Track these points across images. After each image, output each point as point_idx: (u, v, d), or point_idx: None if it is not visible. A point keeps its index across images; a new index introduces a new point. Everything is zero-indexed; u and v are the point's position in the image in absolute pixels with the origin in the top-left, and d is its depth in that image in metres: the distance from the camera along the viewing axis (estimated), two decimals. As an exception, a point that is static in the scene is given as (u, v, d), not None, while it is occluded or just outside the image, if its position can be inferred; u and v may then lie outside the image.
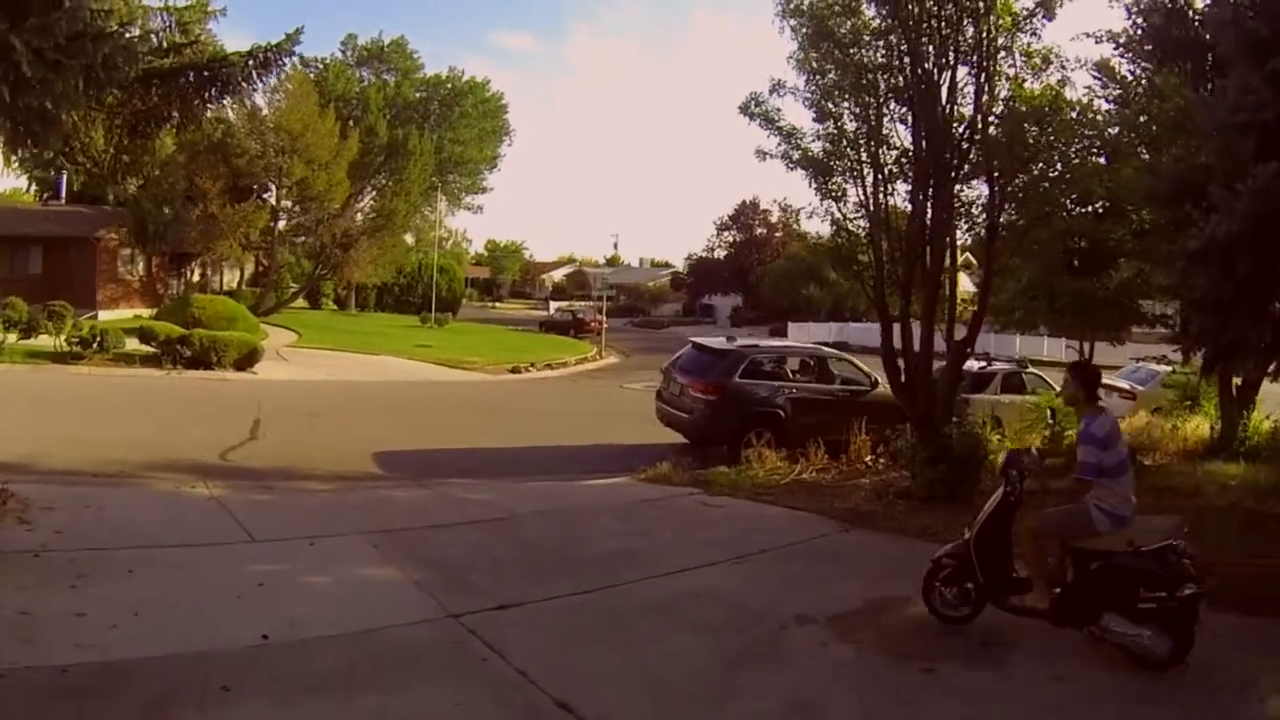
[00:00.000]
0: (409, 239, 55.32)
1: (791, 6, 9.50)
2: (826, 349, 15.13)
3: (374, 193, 38.90)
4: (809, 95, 10.21)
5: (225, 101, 9.60)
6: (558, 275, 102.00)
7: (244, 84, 8.04)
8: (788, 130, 10.46)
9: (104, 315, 32.89)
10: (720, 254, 64.48)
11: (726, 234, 63.27)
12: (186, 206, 32.17)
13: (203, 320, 27.54)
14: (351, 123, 37.68)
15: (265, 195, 33.69)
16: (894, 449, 11.15)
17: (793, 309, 55.41)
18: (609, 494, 10.76)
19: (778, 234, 61.47)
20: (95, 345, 21.65)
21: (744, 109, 10.67)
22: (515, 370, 25.87)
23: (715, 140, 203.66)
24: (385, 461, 12.89)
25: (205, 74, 7.68)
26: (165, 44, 8.77)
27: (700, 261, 66.80)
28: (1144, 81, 11.58)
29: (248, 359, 22.50)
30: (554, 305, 68.26)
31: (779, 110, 10.46)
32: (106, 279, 33.14)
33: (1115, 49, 11.54)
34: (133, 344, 22.53)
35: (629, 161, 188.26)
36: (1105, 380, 19.52)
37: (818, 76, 10.04)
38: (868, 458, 13.35)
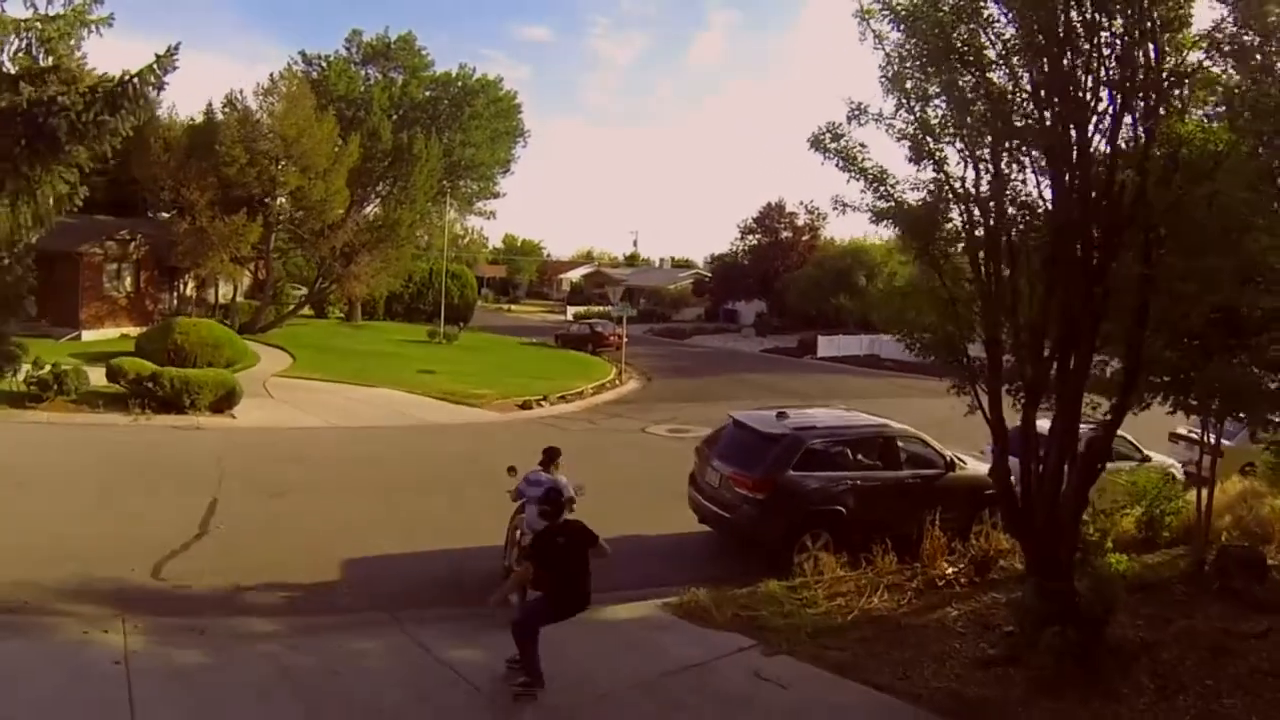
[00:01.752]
0: (422, 237, 53.14)
1: (896, 6, 6.82)
2: (895, 425, 12.42)
3: (378, 201, 36.49)
4: (904, 128, 7.57)
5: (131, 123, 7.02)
6: (576, 275, 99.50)
7: (89, 130, 5.47)
8: (874, 174, 7.79)
9: (88, 335, 30.79)
10: (744, 257, 61.66)
11: (750, 237, 60.45)
12: (174, 220, 29.94)
13: (184, 347, 25.26)
14: (353, 126, 35.21)
15: (259, 206, 31.21)
16: (1007, 602, 8.60)
17: (820, 318, 52.67)
18: (629, 656, 8.21)
19: (805, 237, 58.64)
20: (55, 387, 19.42)
21: (816, 143, 8.01)
22: (526, 406, 23.35)
23: (735, 135, 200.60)
24: (356, 575, 10.51)
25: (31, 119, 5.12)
26: (17, 69, 6.30)
27: (723, 265, 64.01)
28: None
29: (225, 400, 20.13)
30: (571, 310, 65.78)
31: (863, 147, 7.80)
32: (91, 296, 30.96)
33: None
34: (101, 378, 20.35)
35: (649, 157, 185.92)
36: (1178, 430, 16.77)
37: (917, 104, 7.38)
38: (947, 568, 10.86)
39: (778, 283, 55.19)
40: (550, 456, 9.52)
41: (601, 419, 23.07)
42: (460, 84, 41.57)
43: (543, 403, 23.89)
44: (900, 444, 12.06)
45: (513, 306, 79.61)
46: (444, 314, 51.69)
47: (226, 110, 31.78)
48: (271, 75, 31.65)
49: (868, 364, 40.97)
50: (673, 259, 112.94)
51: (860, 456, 11.65)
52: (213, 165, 29.69)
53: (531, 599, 7.46)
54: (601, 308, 67.29)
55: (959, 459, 12.39)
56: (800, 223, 59.00)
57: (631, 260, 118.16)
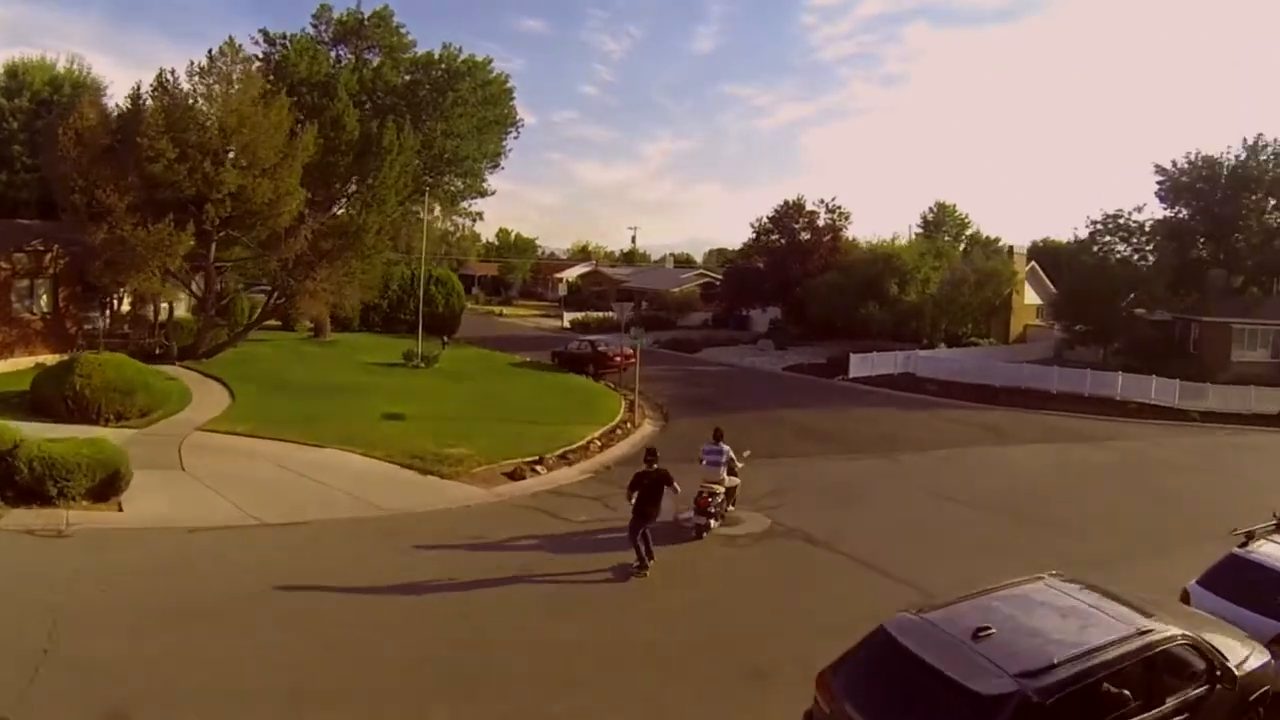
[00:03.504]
0: (400, 241, 47.85)
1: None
2: (1166, 624, 7.15)
3: (343, 202, 31.10)
4: None
5: None
6: (572, 274, 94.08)
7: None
8: None
9: (-7, 366, 25.68)
10: (759, 260, 56.34)
11: (766, 238, 55.10)
12: (91, 227, 24.52)
13: (86, 394, 19.99)
14: (317, 114, 29.69)
15: (193, 211, 25.75)
16: None
17: (845, 328, 47.42)
18: None
19: (826, 238, 53.32)
20: None
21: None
22: (516, 475, 18.04)
23: (745, 128, 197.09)
24: None
25: None
26: None
27: (735, 268, 58.55)
28: None
29: (109, 485, 14.83)
30: (568, 316, 60.41)
31: None
32: (-2, 319, 25.79)
33: None
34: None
35: (658, 148, 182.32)
36: None
37: None
38: None
39: (798, 289, 49.88)
40: (718, 436, 15.63)
41: (617, 492, 17.83)
42: (444, 66, 35.92)
43: (538, 467, 18.60)
44: (1169, 657, 6.86)
45: (504, 310, 74.21)
46: (428, 328, 46.26)
47: (156, 95, 26.30)
48: (210, 52, 26.09)
49: (907, 386, 35.77)
50: (674, 256, 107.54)
51: (1109, 689, 6.42)
52: (135, 161, 24.29)
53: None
54: (601, 314, 61.98)
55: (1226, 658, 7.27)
56: (820, 223, 53.68)
57: (630, 258, 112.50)
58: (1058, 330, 51.32)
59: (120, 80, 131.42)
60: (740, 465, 15.60)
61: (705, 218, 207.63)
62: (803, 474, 19.35)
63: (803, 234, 53.84)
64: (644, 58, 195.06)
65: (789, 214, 53.77)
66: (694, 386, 33.08)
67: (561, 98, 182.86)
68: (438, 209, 41.14)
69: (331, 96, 30.57)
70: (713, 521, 14.62)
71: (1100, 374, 35.13)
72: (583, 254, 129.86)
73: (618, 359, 34.01)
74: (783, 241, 54.05)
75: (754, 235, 55.93)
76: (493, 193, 41.23)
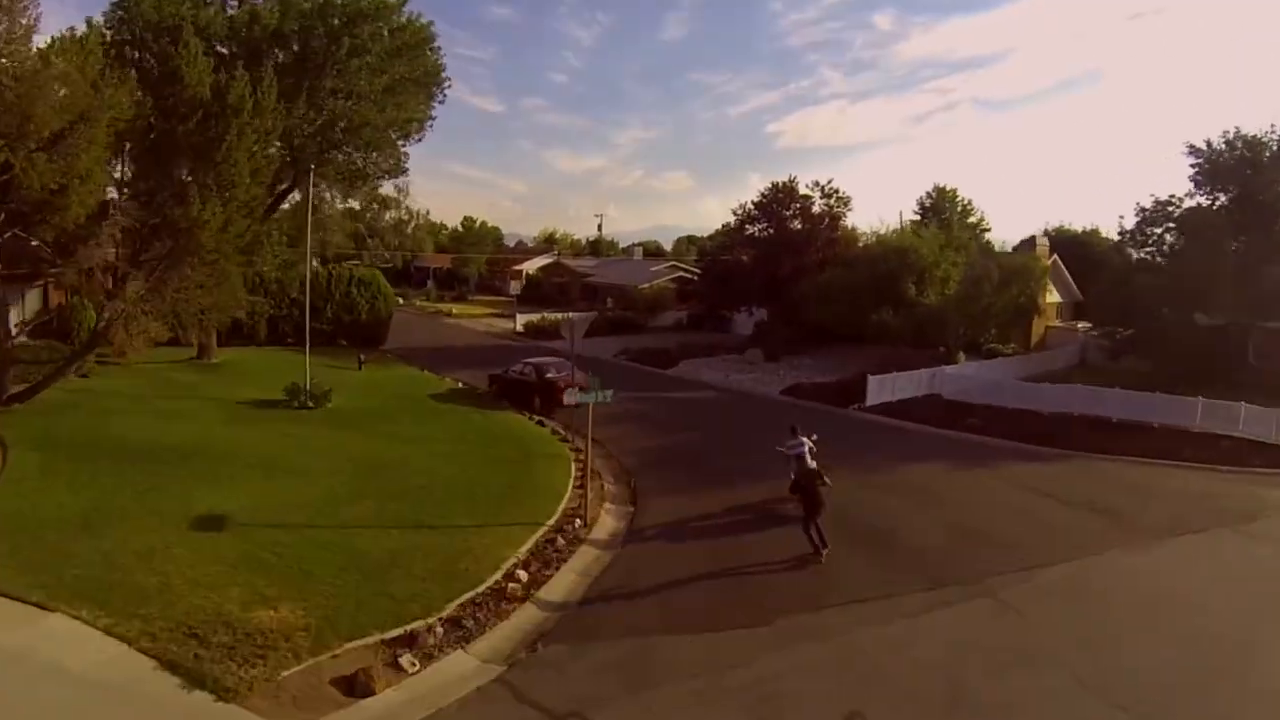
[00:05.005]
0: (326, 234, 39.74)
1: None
2: None
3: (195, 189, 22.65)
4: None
5: None
6: (533, 266, 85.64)
7: None
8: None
9: None
10: (743, 253, 48.53)
11: (752, 227, 47.24)
12: None
13: None
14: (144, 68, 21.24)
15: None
16: None
17: (846, 334, 39.90)
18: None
19: (823, 226, 45.59)
20: None
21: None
22: (357, 685, 9.94)
23: (708, 114, 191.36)
24: None
25: None
26: None
27: (715, 263, 50.55)
28: None
29: None
30: (521, 319, 52.13)
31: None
32: None
33: None
34: None
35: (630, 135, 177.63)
36: None
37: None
38: None
39: (791, 288, 42.15)
40: (794, 431, 17.70)
41: None
42: (342, 7, 27.25)
43: (403, 659, 10.53)
44: None
45: (454, 309, 65.68)
46: (350, 338, 38.18)
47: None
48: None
49: (942, 418, 28.24)
50: (643, 247, 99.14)
51: None
52: None
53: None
54: (560, 314, 53.84)
55: None
56: (816, 209, 45.92)
57: (596, 248, 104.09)
58: (1086, 334, 44.41)
59: None
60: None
61: (673, 206, 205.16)
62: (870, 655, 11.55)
63: (794, 222, 46.10)
64: (613, 46, 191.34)
65: (779, 199, 45.96)
66: (671, 429, 25.21)
67: (532, 85, 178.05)
68: (337, 196, 32.59)
69: (176, 42, 22.06)
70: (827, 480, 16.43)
71: (1168, 399, 27.82)
72: (549, 243, 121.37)
73: (569, 385, 26.07)
74: (770, 231, 46.25)
75: (736, 223, 48.00)
76: (404, 171, 32.72)
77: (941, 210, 74.91)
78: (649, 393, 30.83)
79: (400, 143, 32.04)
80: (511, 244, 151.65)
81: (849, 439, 23.82)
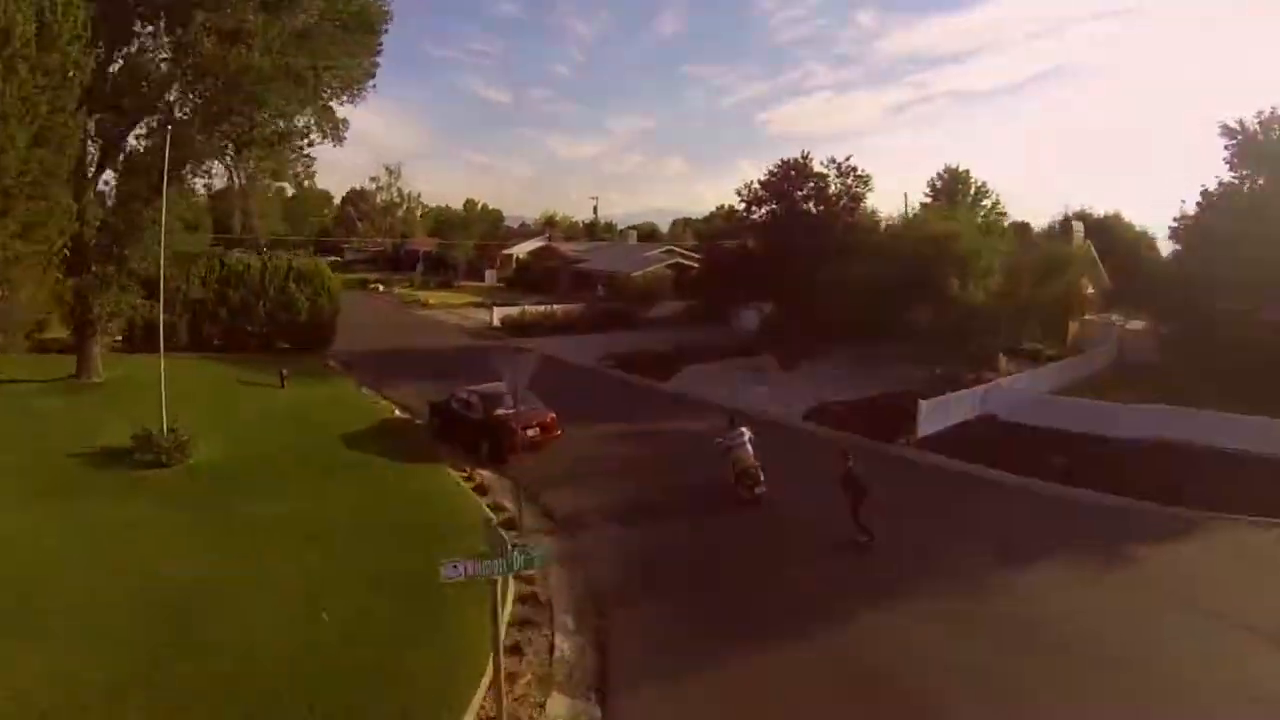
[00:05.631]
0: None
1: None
2: None
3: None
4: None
5: None
6: (523, 250, 79.64)
7: None
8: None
9: None
10: (749, 237, 42.47)
11: (759, 209, 41.14)
12: None
13: None
14: None
15: None
16: None
17: (869, 334, 34.05)
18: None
19: (841, 208, 39.51)
20: None
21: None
22: None
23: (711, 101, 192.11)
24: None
25: None
26: None
27: (716, 249, 44.29)
28: None
29: None
30: (498, 313, 46.20)
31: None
32: None
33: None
34: None
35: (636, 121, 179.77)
36: None
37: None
38: None
39: (807, 280, 36.22)
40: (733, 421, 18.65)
41: None
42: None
43: None
44: None
45: (431, 298, 59.69)
46: (291, 340, 32.58)
47: None
48: None
49: (1016, 459, 21.79)
50: (636, 230, 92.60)
51: None
52: None
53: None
54: (544, 306, 47.88)
55: None
56: (832, 189, 39.78)
57: (592, 230, 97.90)
58: (1123, 326, 39.31)
59: None
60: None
61: (669, 190, 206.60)
62: None
63: (808, 204, 40.00)
64: (613, 39, 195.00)
65: (790, 178, 39.77)
66: (674, 498, 18.06)
67: (537, 76, 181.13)
68: (232, 164, 26.33)
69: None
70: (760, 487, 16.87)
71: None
72: (548, 225, 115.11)
73: (530, 431, 20.25)
74: (779, 212, 40.15)
75: (741, 205, 41.87)
76: (339, 134, 26.60)
77: (954, 193, 68.60)
78: (641, 423, 24.94)
79: (335, 98, 25.94)
80: (515, 225, 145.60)
81: (909, 508, 17.60)
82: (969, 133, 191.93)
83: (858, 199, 40.05)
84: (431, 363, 33.64)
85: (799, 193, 39.68)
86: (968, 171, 68.08)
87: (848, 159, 40.20)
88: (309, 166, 28.32)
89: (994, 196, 68.50)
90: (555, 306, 46.54)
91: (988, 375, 31.48)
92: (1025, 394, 28.12)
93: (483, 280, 75.24)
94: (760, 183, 40.80)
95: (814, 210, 39.55)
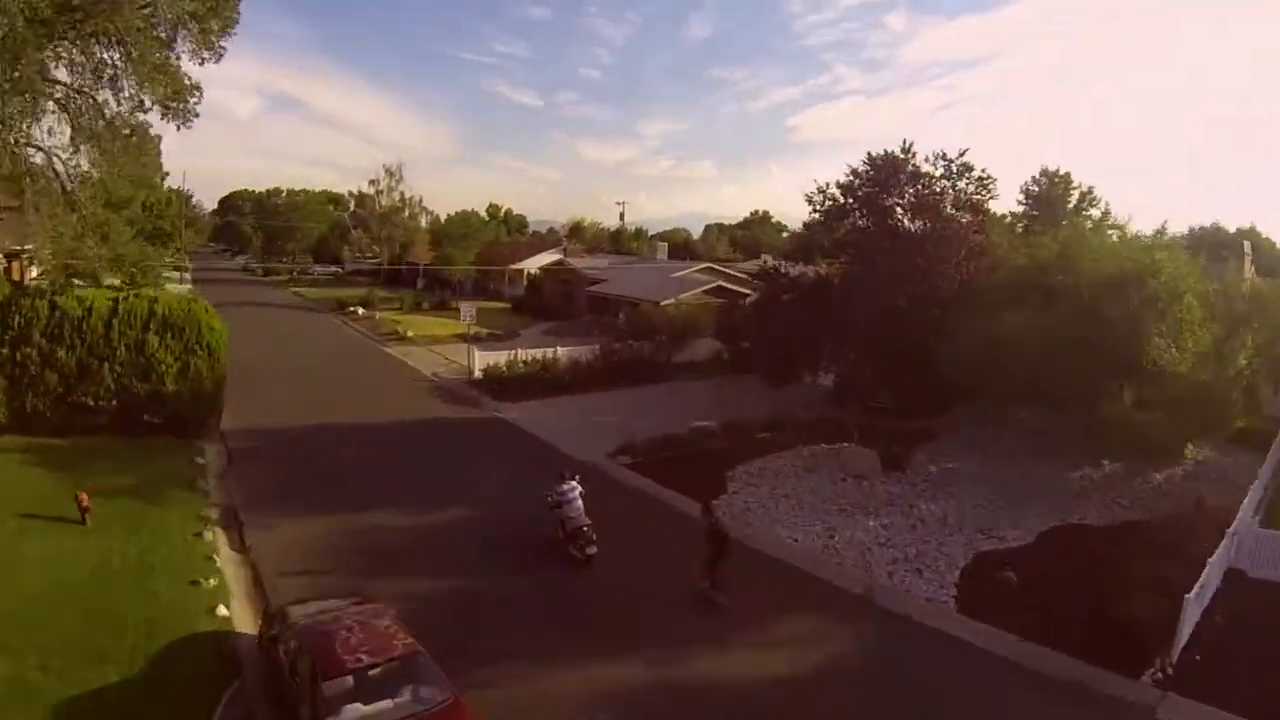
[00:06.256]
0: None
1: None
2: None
3: None
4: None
5: None
6: (534, 265, 68.52)
7: None
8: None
9: None
10: (825, 261, 30.75)
11: (836, 224, 29.40)
12: None
13: None
14: None
15: None
16: None
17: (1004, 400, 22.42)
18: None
19: (961, 226, 27.66)
20: None
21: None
22: None
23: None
24: None
25: None
26: None
27: (778, 278, 32.06)
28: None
29: None
30: (480, 357, 34.68)
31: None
32: None
33: None
34: None
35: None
36: None
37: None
38: None
39: (914, 327, 24.49)
40: (563, 476, 16.89)
41: None
42: None
43: None
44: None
45: (412, 330, 48.49)
46: (156, 421, 21.94)
47: None
48: None
49: None
50: (668, 239, 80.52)
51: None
52: None
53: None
54: (540, 352, 36.40)
55: None
56: (942, 194, 27.92)
57: (616, 241, 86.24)
58: None
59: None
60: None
61: (699, 194, 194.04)
62: None
63: (904, 217, 28.21)
64: (642, 43, 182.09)
65: (883, 178, 28.03)
66: None
67: (566, 80, 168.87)
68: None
69: None
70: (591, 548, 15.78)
71: None
72: (571, 234, 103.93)
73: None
74: (869, 226, 28.37)
75: (816, 214, 30.01)
76: (191, 101, 16.39)
77: (1052, 201, 56.07)
78: (674, 657, 13.42)
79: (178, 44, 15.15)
80: (543, 230, 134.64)
81: None
82: (999, 134, 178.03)
83: (980, 210, 28.18)
84: (362, 460, 22.51)
85: (900, 201, 27.93)
86: (1069, 174, 55.77)
87: (961, 154, 28.36)
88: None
89: (1102, 204, 55.92)
90: (558, 350, 35.14)
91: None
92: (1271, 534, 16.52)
93: (491, 298, 64.20)
94: (840, 186, 29.08)
95: (915, 227, 27.79)
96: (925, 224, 27.26)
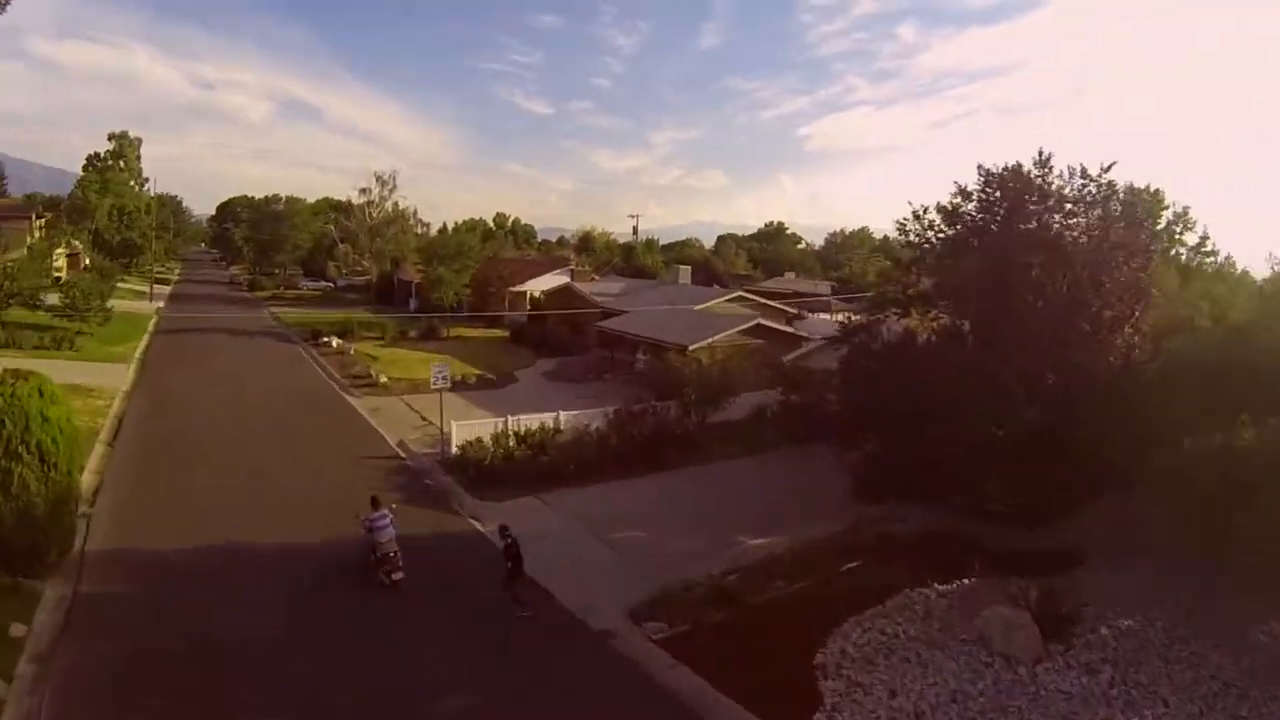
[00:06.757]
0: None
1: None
2: None
3: None
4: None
5: None
6: (537, 288, 60.99)
7: None
8: None
9: None
10: (921, 310, 23.02)
11: (935, 257, 21.75)
12: None
13: None
14: None
15: None
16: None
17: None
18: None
19: (1118, 263, 19.91)
20: None
21: None
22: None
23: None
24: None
25: None
26: None
27: (865, 343, 23.74)
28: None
29: None
30: (459, 432, 26.81)
31: None
32: None
33: None
34: None
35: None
36: None
37: None
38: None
39: (1077, 419, 16.84)
40: (376, 503, 17.18)
41: None
42: None
43: None
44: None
45: (387, 372, 40.78)
46: None
47: None
48: None
49: None
50: (690, 267, 72.43)
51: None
52: None
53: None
54: (538, 419, 28.53)
55: None
56: (1085, 222, 20.28)
57: (630, 258, 78.53)
58: None
59: None
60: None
61: (710, 203, 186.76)
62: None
63: (1036, 256, 20.44)
64: (653, 52, 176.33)
65: (1011, 201, 20.34)
66: None
67: (578, 89, 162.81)
68: None
69: None
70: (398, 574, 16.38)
71: None
72: (579, 247, 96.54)
73: None
74: (993, 271, 20.64)
75: (912, 243, 22.28)
76: None
77: (1134, 223, 47.88)
78: None
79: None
80: (552, 239, 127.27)
81: None
82: (1013, 146, 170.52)
83: (1145, 255, 20.42)
84: (262, 634, 14.78)
85: (1034, 226, 20.21)
86: (1159, 191, 47.90)
87: (1107, 169, 20.66)
88: None
89: (1199, 227, 47.92)
90: (560, 417, 27.45)
91: None
92: None
93: (492, 324, 56.69)
94: (944, 210, 21.38)
95: (1070, 277, 20.03)
96: (1083, 270, 19.46)
